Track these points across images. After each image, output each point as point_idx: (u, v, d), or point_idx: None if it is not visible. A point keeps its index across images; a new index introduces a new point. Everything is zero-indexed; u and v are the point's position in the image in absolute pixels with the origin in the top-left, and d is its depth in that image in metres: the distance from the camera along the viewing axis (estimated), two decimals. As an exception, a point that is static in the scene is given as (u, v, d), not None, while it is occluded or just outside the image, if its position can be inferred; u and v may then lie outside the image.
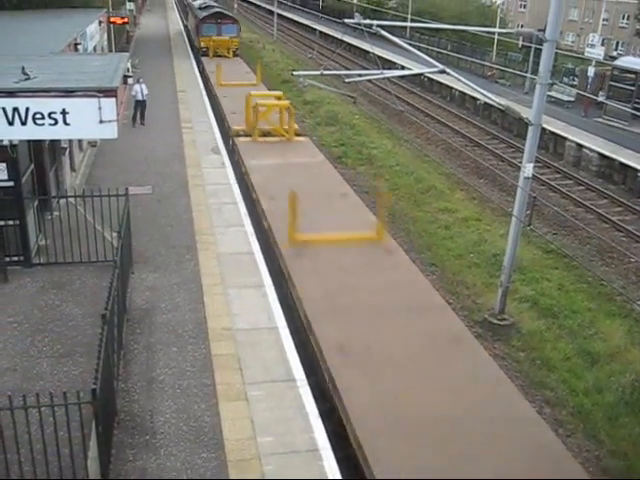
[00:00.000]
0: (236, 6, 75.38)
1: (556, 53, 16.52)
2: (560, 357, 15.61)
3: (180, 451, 8.53)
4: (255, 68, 33.51)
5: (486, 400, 9.34)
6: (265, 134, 21.44)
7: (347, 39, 38.44)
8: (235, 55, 41.77)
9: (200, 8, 46.10)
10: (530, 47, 43.34)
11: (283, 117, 21.69)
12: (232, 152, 21.42)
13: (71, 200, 14.95)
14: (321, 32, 73.34)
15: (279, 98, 22.86)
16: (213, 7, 46.36)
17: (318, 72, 22.35)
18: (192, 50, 45.11)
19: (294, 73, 23.92)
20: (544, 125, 19.20)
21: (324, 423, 9.12)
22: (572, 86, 41.48)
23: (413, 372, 9.87)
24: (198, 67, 38.24)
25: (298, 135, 22.11)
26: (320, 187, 17.16)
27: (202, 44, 40.95)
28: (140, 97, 24.33)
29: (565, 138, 32.02)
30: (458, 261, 20.32)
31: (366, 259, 13.41)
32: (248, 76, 32.86)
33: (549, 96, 29.91)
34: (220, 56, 39.83)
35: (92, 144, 20.97)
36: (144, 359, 10.41)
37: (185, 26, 57.10)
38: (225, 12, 45.85)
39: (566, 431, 13.34)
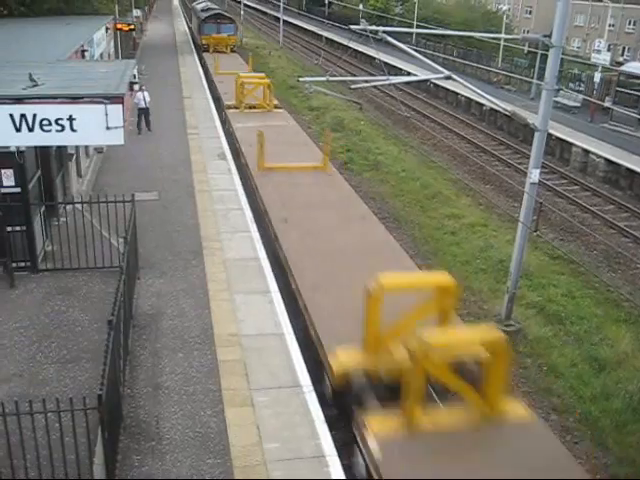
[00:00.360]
0: (242, 13, 75.57)
1: (562, 59, 16.54)
2: (567, 363, 15.53)
3: (186, 457, 8.52)
4: (253, 67, 38.42)
5: None
6: (251, 107, 27.28)
7: (353, 45, 38.53)
8: (232, 51, 47.41)
9: (202, 10, 52.25)
10: (536, 53, 43.36)
11: (265, 93, 27.76)
12: (224, 122, 26.73)
13: (78, 206, 14.99)
14: (327, 38, 73.48)
15: (262, 79, 29.16)
16: (214, 9, 52.70)
17: (324, 78, 22.37)
18: (195, 48, 49.60)
19: (300, 79, 23.94)
20: (550, 131, 19.19)
21: (330, 429, 9.09)
22: (578, 92, 41.43)
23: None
24: (200, 61, 42.79)
25: (277, 108, 28.33)
26: (286, 138, 23.08)
27: (203, 41, 47.44)
28: (143, 105, 24.24)
29: (571, 144, 31.95)
30: (464, 267, 20.26)
31: (313, 180, 18.89)
32: (242, 67, 38.61)
33: (555, 102, 29.86)
34: (219, 52, 44.56)
35: (99, 150, 21.04)
36: (150, 365, 10.41)
37: (189, 27, 62.89)
38: (224, 13, 52.15)
39: (574, 438, 13.27)
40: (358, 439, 8.89)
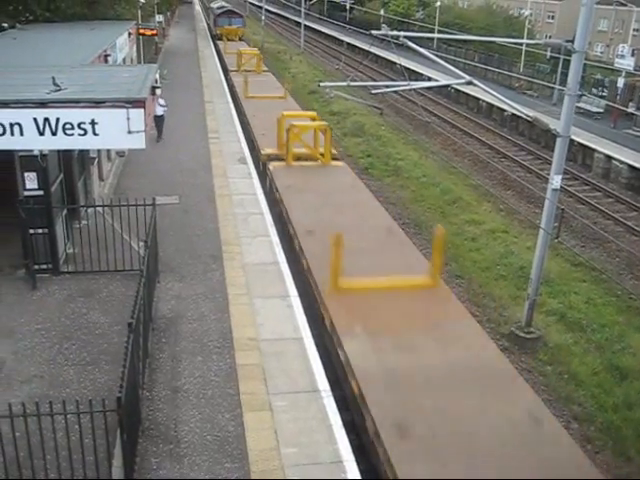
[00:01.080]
0: (264, 18, 75.92)
1: (585, 64, 16.40)
2: (588, 372, 15.39)
3: (204, 460, 8.53)
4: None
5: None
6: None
7: (374, 50, 38.58)
8: (240, 39, 58.29)
9: (217, 8, 66.21)
10: (558, 58, 43.07)
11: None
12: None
13: (99, 209, 15.13)
14: (348, 43, 73.57)
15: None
16: (226, 7, 65.47)
17: (345, 83, 22.39)
18: (212, 39, 59.73)
19: (321, 84, 24.01)
20: (572, 136, 19.04)
21: (348, 435, 9.07)
22: (601, 97, 41.11)
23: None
24: (215, 48, 51.75)
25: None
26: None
27: (218, 31, 60.41)
28: (159, 112, 24.04)
29: (594, 150, 31.70)
30: (484, 273, 20.17)
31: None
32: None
33: (578, 107, 29.62)
34: (230, 40, 54.29)
35: (120, 154, 21.19)
36: (169, 368, 10.45)
37: (207, 23, 75.18)
38: (234, 10, 65.04)
39: (595, 447, 13.12)
40: (268, 170, 19.46)
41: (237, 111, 29.42)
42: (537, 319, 16.99)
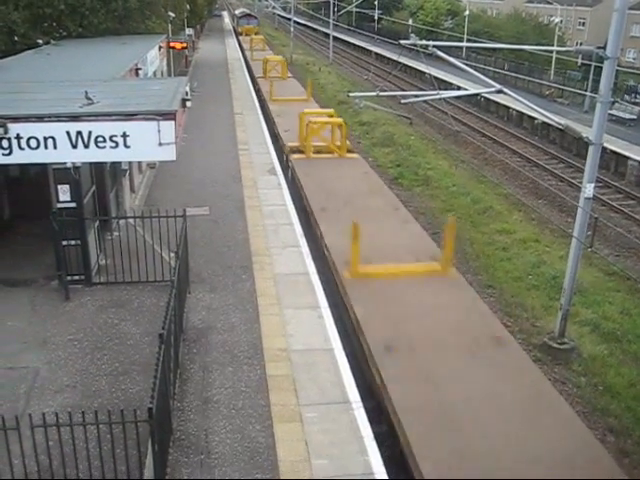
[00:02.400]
0: (292, 30, 76.40)
1: (617, 70, 16.17)
2: (624, 383, 15.09)
3: (234, 471, 8.51)
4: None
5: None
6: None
7: (403, 60, 38.55)
8: (256, 34, 69.21)
9: (239, 13, 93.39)
10: (590, 65, 42.62)
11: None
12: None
13: (130, 221, 15.27)
14: (377, 54, 73.67)
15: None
16: (245, 12, 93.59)
17: (374, 93, 22.48)
18: (235, 35, 78.44)
19: (350, 94, 24.05)
20: (605, 144, 18.77)
21: (379, 447, 8.99)
22: (634, 104, 40.54)
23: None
24: (239, 44, 66.08)
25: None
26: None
27: (239, 29, 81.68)
28: None
29: (627, 157, 31.24)
30: (516, 283, 19.93)
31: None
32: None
33: (610, 114, 29.19)
34: (247, 35, 70.11)
35: (151, 166, 21.41)
36: (200, 379, 10.48)
37: (233, 26, 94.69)
38: (251, 13, 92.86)
39: (632, 462, 12.84)
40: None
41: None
42: (570, 329, 16.72)
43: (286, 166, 22.39)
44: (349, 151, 22.83)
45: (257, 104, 33.90)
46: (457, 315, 11.86)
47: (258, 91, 37.29)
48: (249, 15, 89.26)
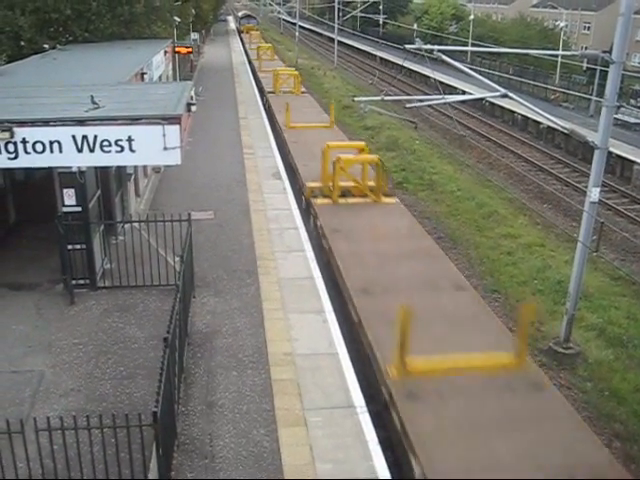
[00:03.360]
0: (297, 34, 76.57)
1: (623, 74, 16.14)
2: (630, 388, 15.02)
3: (239, 475, 8.50)
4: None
5: None
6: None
7: (408, 64, 38.61)
8: (255, 31, 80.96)
9: (242, 14, 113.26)
10: (595, 69, 42.59)
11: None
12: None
13: (135, 225, 15.29)
14: (381, 58, 73.76)
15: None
16: (246, 13, 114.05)
17: (379, 98, 22.38)
18: (238, 34, 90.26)
19: (355, 99, 24.06)
20: (610, 148, 18.73)
21: (384, 451, 8.97)
22: (640, 108, 40.46)
23: None
24: (241, 41, 74.77)
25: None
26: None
27: (241, 28, 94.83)
28: None
29: (633, 162, 31.18)
30: (521, 288, 19.88)
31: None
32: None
33: (616, 119, 29.18)
34: (248, 32, 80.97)
35: (156, 170, 21.45)
36: (204, 383, 10.47)
37: (237, 27, 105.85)
38: (251, 14, 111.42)
39: (638, 467, 12.78)
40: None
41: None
42: (576, 334, 16.68)
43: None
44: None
45: (262, 110, 33.94)
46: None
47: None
48: (249, 16, 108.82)
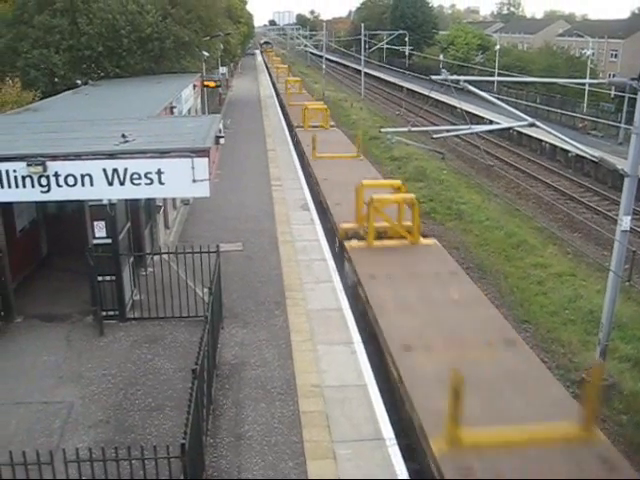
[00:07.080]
0: (324, 67, 77.40)
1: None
2: (667, 421, 14.65)
3: (267, 510, 8.42)
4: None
5: None
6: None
7: (434, 95, 38.75)
8: (269, 51, 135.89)
9: (263, 41, 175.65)
10: (623, 97, 42.33)
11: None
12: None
13: (164, 257, 15.40)
14: (408, 89, 74.14)
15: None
16: (266, 40, 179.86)
17: (406, 129, 22.44)
18: (261, 54, 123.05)
19: (382, 130, 24.14)
20: (641, 176, 18.51)
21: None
22: (670, 136, 40.03)
23: None
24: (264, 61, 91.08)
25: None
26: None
27: (262, 51, 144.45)
28: None
29: (664, 189, 30.73)
30: (552, 318, 19.61)
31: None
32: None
33: (645, 147, 28.88)
34: (267, 53, 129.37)
35: (185, 202, 21.66)
36: (233, 415, 10.43)
37: (261, 50, 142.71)
38: (269, 42, 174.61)
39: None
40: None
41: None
42: (610, 365, 16.34)
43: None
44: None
45: (290, 142, 34.21)
46: None
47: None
48: (267, 42, 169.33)
